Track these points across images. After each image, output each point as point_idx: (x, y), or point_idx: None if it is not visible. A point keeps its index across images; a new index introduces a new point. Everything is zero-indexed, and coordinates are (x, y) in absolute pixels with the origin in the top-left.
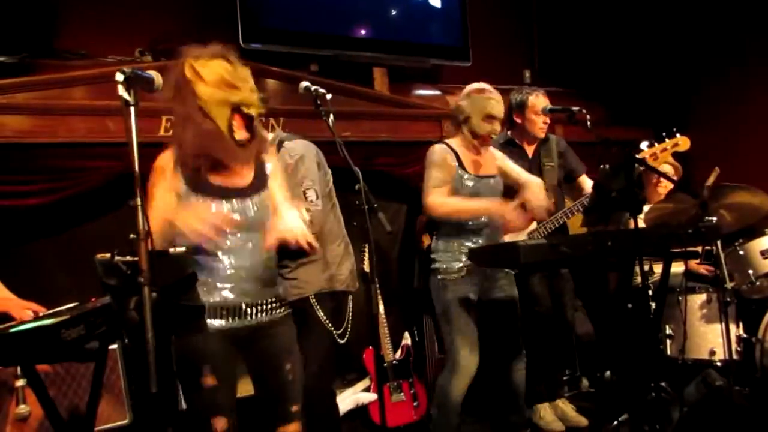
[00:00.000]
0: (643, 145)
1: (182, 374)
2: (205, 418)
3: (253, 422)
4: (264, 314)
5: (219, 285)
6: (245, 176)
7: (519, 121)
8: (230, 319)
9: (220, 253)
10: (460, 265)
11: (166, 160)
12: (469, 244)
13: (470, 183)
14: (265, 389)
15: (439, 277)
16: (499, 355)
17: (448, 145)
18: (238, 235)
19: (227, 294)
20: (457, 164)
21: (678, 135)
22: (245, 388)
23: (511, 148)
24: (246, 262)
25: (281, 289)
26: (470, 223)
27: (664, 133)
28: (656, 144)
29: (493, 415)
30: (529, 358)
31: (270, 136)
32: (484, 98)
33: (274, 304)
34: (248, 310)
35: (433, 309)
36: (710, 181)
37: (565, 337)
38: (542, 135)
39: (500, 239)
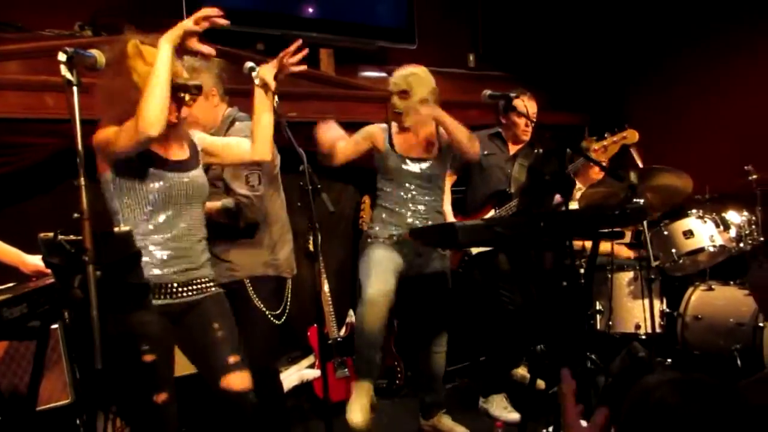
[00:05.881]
0: (594, 138)
1: (122, 352)
2: (147, 394)
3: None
4: (195, 293)
5: (150, 263)
6: (183, 151)
7: (504, 121)
8: (162, 296)
9: (150, 228)
10: (393, 232)
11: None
12: (409, 219)
13: (394, 162)
14: (199, 354)
15: (369, 240)
16: (421, 335)
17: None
18: (169, 212)
19: (157, 272)
20: (388, 145)
21: (627, 128)
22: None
23: (496, 141)
24: (177, 241)
25: (213, 270)
26: (409, 195)
27: (616, 128)
28: (606, 136)
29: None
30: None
31: (227, 111)
32: None
33: (204, 284)
34: (179, 288)
35: None
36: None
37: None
38: (525, 137)
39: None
